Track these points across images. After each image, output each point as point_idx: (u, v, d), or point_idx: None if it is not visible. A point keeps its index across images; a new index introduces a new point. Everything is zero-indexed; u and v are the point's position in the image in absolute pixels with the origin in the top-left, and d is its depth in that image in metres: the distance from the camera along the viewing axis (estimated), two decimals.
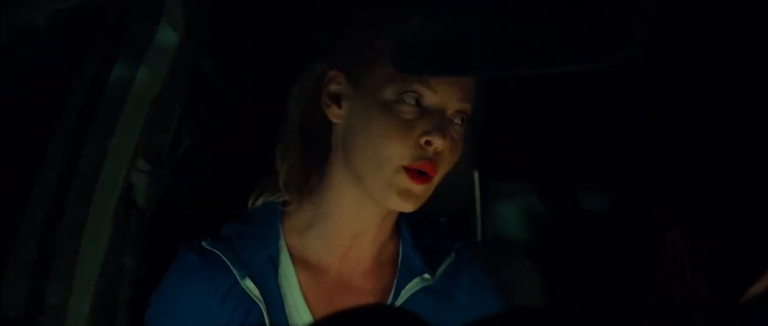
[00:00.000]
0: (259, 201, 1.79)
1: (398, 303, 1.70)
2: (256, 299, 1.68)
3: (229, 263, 1.69)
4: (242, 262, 1.70)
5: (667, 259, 2.74)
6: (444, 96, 1.63)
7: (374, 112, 1.64)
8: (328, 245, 1.74)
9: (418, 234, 1.79)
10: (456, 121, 1.66)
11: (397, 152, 1.61)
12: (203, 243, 1.74)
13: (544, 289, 2.12)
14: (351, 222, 1.72)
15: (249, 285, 1.69)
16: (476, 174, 2.58)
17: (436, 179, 1.65)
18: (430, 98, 1.63)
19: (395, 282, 1.74)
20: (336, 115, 1.70)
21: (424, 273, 1.73)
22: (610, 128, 2.92)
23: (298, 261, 1.73)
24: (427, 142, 1.61)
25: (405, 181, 1.61)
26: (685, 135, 2.79)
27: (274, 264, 1.72)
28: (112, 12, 2.09)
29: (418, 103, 1.63)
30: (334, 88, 1.70)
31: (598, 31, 2.17)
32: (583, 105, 2.90)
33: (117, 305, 2.06)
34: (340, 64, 1.71)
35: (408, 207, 1.64)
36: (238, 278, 1.68)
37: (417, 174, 1.61)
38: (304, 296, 1.71)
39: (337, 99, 1.70)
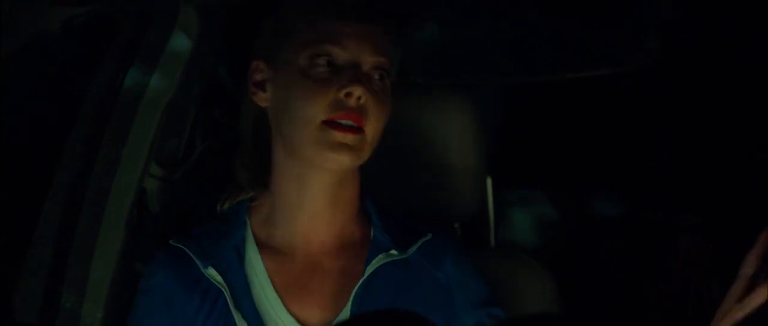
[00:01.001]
0: (226, 205, 1.82)
1: (364, 278, 1.71)
2: (219, 286, 1.70)
3: (192, 255, 1.72)
4: (206, 254, 1.73)
5: (681, 265, 2.74)
6: (356, 51, 1.66)
7: (292, 82, 1.67)
8: (289, 229, 1.75)
9: (390, 221, 1.80)
10: (375, 76, 1.68)
11: (318, 109, 1.64)
12: (170, 241, 1.77)
13: (556, 295, 2.12)
14: (300, 200, 1.73)
15: (212, 272, 1.71)
16: (489, 181, 2.58)
17: (370, 132, 1.67)
18: (342, 55, 1.66)
19: (365, 261, 1.74)
20: (263, 99, 1.74)
21: (391, 249, 1.74)
22: (623, 134, 2.92)
23: (264, 248, 1.75)
24: (347, 94, 1.63)
25: (332, 134, 1.63)
26: (698, 139, 2.79)
27: (239, 254, 1.74)
28: (126, 19, 2.10)
29: (330, 63, 1.66)
30: (258, 76, 1.75)
31: (610, 38, 2.18)
32: (595, 111, 2.90)
33: (130, 310, 2.06)
34: (260, 54, 1.76)
35: (345, 160, 1.66)
36: (201, 267, 1.71)
37: (342, 126, 1.63)
38: (272, 280, 1.72)
39: (262, 85, 1.74)
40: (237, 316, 1.68)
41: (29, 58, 1.93)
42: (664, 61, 2.27)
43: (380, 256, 1.73)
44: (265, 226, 1.78)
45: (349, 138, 1.64)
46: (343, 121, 1.63)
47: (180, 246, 1.75)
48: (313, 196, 1.73)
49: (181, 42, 2.10)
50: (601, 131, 2.94)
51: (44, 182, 2.03)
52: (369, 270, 1.71)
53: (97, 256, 2.02)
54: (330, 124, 1.63)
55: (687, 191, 2.79)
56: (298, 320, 1.70)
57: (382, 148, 1.79)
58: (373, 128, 1.67)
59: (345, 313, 1.69)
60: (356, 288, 1.69)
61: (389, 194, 2.04)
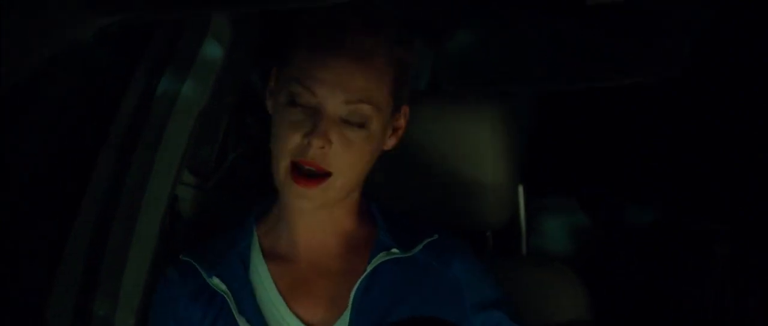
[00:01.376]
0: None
1: (364, 276, 1.72)
2: (223, 294, 1.73)
3: (198, 267, 1.75)
4: (210, 263, 1.76)
5: (716, 272, 2.72)
6: (323, 98, 1.65)
7: (276, 112, 1.70)
8: (292, 235, 1.77)
9: (395, 223, 1.81)
10: (352, 122, 1.66)
11: (285, 152, 1.65)
12: (180, 256, 1.80)
13: (589, 303, 2.11)
14: (296, 209, 1.75)
15: (216, 282, 1.74)
16: (521, 189, 2.57)
17: (340, 177, 1.67)
18: (310, 99, 1.65)
19: (368, 260, 1.75)
20: (270, 106, 1.75)
21: (393, 248, 1.75)
22: (656, 141, 2.91)
23: (269, 255, 1.78)
24: (309, 142, 1.63)
25: (293, 186, 1.65)
26: (731, 146, 2.77)
27: (244, 261, 1.77)
28: (159, 27, 2.11)
29: (304, 106, 1.66)
30: (271, 83, 1.76)
31: (642, 46, 2.17)
32: (628, 119, 2.89)
33: None
34: (277, 63, 1.76)
35: (306, 207, 1.69)
36: (206, 278, 1.74)
37: (304, 175, 1.65)
38: (276, 284, 1.75)
39: (271, 93, 1.76)
40: (241, 320, 1.71)
41: (63, 68, 1.95)
42: (701, 68, 2.27)
43: (381, 254, 1.73)
44: (271, 233, 1.80)
45: (310, 192, 1.65)
46: (307, 168, 1.65)
47: (188, 259, 1.78)
48: (307, 210, 1.75)
49: (213, 50, 2.10)
50: (634, 138, 2.93)
51: (78, 190, 2.04)
52: (369, 268, 1.72)
53: (130, 263, 2.03)
54: (294, 167, 1.65)
55: (721, 199, 2.78)
56: (302, 320, 1.72)
57: (414, 157, 1.79)
58: (343, 173, 1.67)
59: (346, 313, 1.70)
60: (356, 286, 1.70)
61: (421, 202, 2.04)
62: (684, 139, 2.87)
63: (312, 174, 1.65)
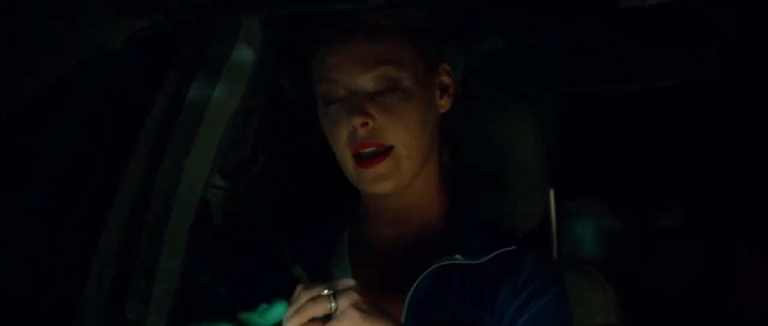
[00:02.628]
0: None
1: (419, 280, 1.72)
2: (303, 282, 1.74)
3: (286, 253, 1.80)
4: (297, 250, 1.80)
5: (745, 278, 2.71)
6: (350, 80, 1.67)
7: (320, 112, 1.73)
8: (372, 230, 1.80)
9: (475, 229, 1.81)
10: (382, 87, 1.68)
11: (342, 147, 1.69)
12: (271, 240, 1.85)
13: (619, 308, 2.10)
14: (378, 199, 1.77)
15: (297, 270, 1.77)
16: (552, 192, 2.56)
17: (402, 144, 1.68)
18: (336, 89, 1.68)
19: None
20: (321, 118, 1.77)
21: (456, 254, 1.74)
22: (686, 145, 2.90)
23: (354, 245, 1.81)
24: (353, 126, 1.66)
25: (364, 173, 1.68)
26: (763, 153, 2.75)
27: (329, 250, 1.79)
28: (189, 31, 2.11)
29: (337, 99, 1.68)
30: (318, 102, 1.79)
31: (673, 49, 2.16)
32: (659, 123, 2.88)
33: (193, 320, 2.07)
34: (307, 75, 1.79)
35: (385, 188, 1.70)
36: (289, 265, 1.78)
37: (369, 157, 1.67)
38: (353, 277, 1.73)
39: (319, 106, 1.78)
40: None
41: (93, 73, 1.95)
42: (735, 72, 2.26)
43: (443, 259, 1.73)
44: (361, 224, 1.82)
45: (380, 169, 1.67)
46: (367, 150, 1.67)
47: (280, 243, 1.82)
48: (384, 203, 1.77)
49: (244, 53, 2.11)
50: (665, 143, 2.91)
51: (109, 194, 2.05)
52: (424, 274, 1.72)
53: (160, 268, 2.04)
54: (358, 158, 1.67)
55: (752, 205, 2.76)
56: None
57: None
58: (401, 141, 1.68)
59: (402, 315, 1.70)
60: (411, 291, 1.71)
61: None
62: (713, 144, 2.86)
63: (374, 154, 1.67)
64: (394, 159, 1.68)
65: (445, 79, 1.78)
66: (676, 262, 2.91)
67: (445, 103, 1.77)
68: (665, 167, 2.92)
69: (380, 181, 1.68)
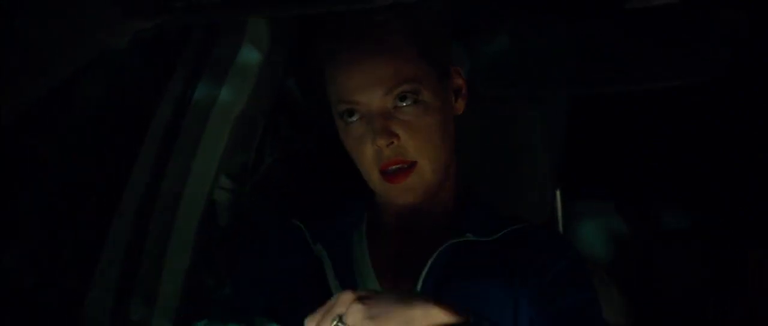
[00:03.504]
0: None
1: (433, 259, 1.75)
2: (324, 260, 1.81)
3: (306, 232, 1.84)
4: (316, 231, 1.84)
5: (752, 278, 2.70)
6: (366, 102, 1.69)
7: (339, 127, 1.75)
8: (392, 214, 1.84)
9: (485, 211, 1.84)
10: (402, 104, 1.70)
11: (368, 165, 1.72)
12: (296, 221, 1.88)
13: (626, 308, 2.10)
14: (404, 208, 1.81)
15: (318, 248, 1.82)
16: (558, 193, 2.56)
17: (425, 157, 1.72)
18: (357, 108, 1.71)
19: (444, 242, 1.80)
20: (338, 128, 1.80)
21: (467, 232, 1.77)
22: (692, 145, 2.89)
23: (373, 228, 1.85)
24: (378, 147, 1.69)
25: (392, 188, 1.72)
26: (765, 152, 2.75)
27: (349, 232, 1.84)
28: (195, 33, 2.11)
29: (357, 116, 1.71)
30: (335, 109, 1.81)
31: (680, 50, 2.16)
32: (665, 123, 2.87)
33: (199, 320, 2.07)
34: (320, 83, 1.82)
35: (411, 199, 1.73)
36: (311, 243, 1.83)
37: (395, 174, 1.70)
38: (371, 257, 1.81)
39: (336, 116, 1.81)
40: (334, 283, 1.78)
41: (98, 74, 1.96)
42: (744, 73, 2.26)
43: (456, 238, 1.76)
44: (380, 209, 1.86)
45: (408, 182, 1.71)
46: (393, 168, 1.70)
47: (297, 224, 1.86)
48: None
49: (251, 55, 2.11)
50: (672, 143, 2.91)
51: (116, 195, 2.05)
52: (435, 254, 1.75)
53: (167, 268, 2.04)
54: (385, 174, 1.71)
55: (758, 205, 2.75)
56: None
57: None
58: (426, 155, 1.71)
59: (417, 288, 1.73)
60: (427, 266, 1.74)
61: None
62: (719, 145, 2.85)
63: (399, 170, 1.70)
64: (419, 173, 1.72)
65: (458, 81, 1.80)
66: (682, 263, 2.90)
67: (460, 106, 1.80)
68: (672, 168, 2.91)
69: (407, 194, 1.73)
